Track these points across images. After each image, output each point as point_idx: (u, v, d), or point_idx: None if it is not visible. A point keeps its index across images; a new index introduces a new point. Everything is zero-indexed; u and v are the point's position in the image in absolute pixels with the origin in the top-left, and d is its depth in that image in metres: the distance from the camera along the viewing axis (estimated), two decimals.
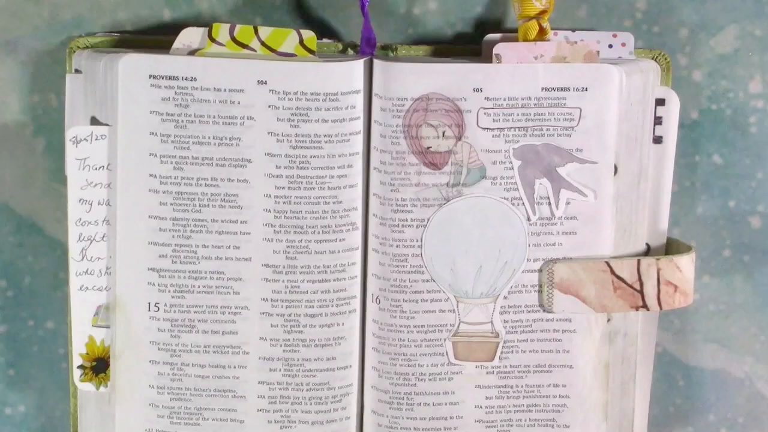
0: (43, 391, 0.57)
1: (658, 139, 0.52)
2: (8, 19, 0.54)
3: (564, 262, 0.51)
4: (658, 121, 0.52)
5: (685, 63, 0.54)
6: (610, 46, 0.52)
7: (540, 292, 0.52)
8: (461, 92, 0.50)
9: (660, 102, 0.52)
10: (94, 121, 0.51)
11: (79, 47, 0.52)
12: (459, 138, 0.50)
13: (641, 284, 0.49)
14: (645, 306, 0.50)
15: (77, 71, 0.51)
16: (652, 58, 0.52)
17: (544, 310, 0.51)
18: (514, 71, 0.49)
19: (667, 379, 0.57)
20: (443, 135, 0.50)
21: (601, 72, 0.50)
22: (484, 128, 0.50)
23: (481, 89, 0.50)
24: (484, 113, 0.50)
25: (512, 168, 0.50)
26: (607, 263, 0.50)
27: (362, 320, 0.53)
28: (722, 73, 0.55)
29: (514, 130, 0.50)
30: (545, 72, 0.49)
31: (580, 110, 0.50)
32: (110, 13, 0.54)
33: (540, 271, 0.51)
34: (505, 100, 0.50)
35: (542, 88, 0.50)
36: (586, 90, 0.50)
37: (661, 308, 0.50)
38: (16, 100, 0.54)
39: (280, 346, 0.52)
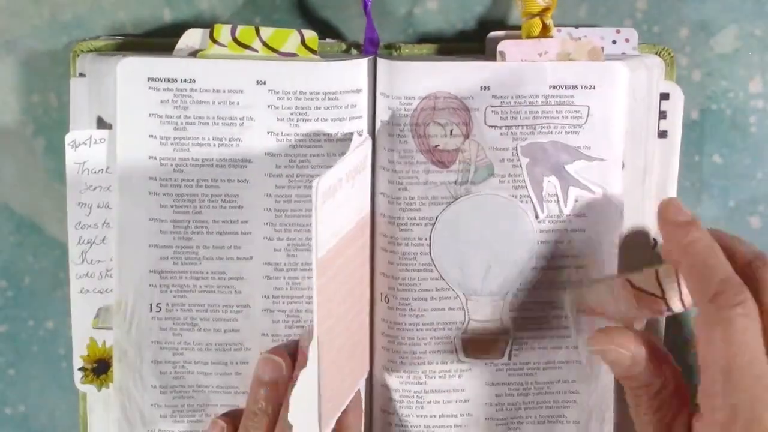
0: (43, 391, 0.57)
1: (663, 134, 0.52)
2: (8, 19, 0.54)
3: (583, 288, 0.50)
4: (662, 115, 0.52)
5: (686, 63, 0.55)
6: (614, 42, 0.52)
7: (567, 317, 0.51)
8: (469, 90, 0.50)
9: (664, 96, 0.52)
10: (101, 121, 0.51)
11: (83, 51, 0.52)
12: (467, 136, 0.50)
13: (663, 291, 0.48)
14: (669, 309, 0.48)
15: (81, 75, 0.51)
16: (656, 53, 0.53)
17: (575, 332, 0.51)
18: (522, 69, 0.49)
19: None
20: (451, 133, 0.50)
21: (608, 70, 0.50)
22: (492, 126, 0.50)
23: (488, 87, 0.50)
24: (492, 111, 0.50)
25: (520, 166, 0.50)
26: (628, 280, 0.48)
27: (371, 319, 0.52)
28: (722, 73, 0.55)
29: (522, 128, 0.50)
30: (553, 70, 0.49)
31: (588, 108, 0.50)
32: (110, 13, 0.54)
33: (564, 298, 0.51)
34: (512, 98, 0.50)
35: (550, 86, 0.50)
36: (594, 88, 0.50)
37: (685, 308, 0.48)
38: (16, 100, 0.54)
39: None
